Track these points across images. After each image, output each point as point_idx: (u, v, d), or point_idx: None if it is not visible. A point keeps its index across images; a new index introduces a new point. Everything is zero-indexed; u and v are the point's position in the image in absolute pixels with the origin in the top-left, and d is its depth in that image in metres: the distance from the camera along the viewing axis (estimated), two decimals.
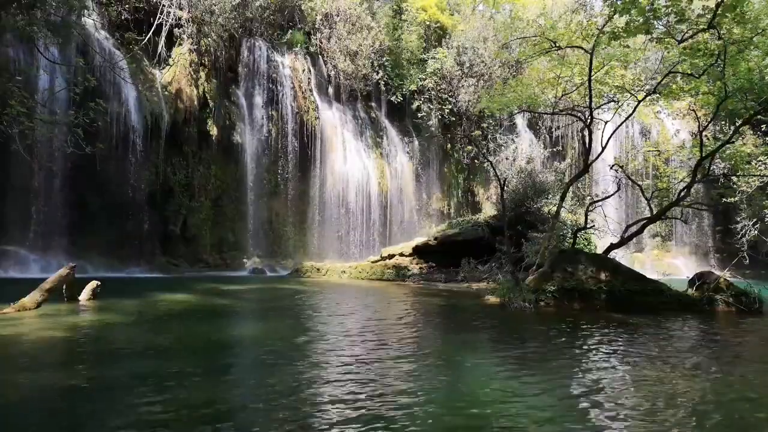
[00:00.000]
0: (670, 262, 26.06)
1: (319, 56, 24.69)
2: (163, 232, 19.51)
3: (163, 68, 20.13)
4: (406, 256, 18.57)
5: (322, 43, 24.55)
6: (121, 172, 18.01)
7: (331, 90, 25.08)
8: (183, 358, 5.55)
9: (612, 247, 12.37)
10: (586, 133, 13.27)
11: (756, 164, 16.67)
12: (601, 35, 11.29)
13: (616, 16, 10.72)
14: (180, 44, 20.52)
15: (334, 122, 24.35)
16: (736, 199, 18.68)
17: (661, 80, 12.50)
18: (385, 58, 25.74)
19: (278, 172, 22.51)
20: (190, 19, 20.61)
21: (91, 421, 3.59)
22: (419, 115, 26.62)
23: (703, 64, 10.93)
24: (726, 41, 10.14)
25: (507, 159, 21.14)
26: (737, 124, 12.35)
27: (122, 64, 17.37)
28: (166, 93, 19.63)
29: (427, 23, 27.60)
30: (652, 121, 27.01)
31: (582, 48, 12.35)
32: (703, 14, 10.46)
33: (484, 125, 25.70)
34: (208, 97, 20.98)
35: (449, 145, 28.00)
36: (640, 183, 15.13)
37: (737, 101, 11.20)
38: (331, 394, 4.24)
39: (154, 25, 19.57)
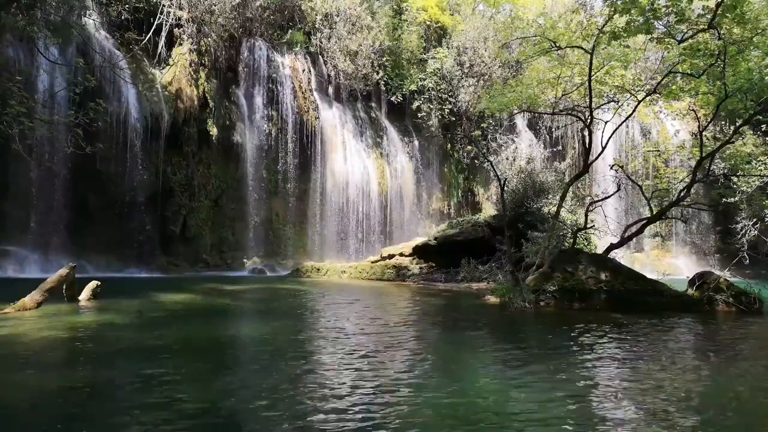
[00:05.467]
0: (670, 262, 26.03)
1: (319, 56, 24.69)
2: (163, 232, 19.51)
3: (163, 68, 20.13)
4: (406, 256, 18.56)
5: (322, 43, 24.54)
6: (121, 172, 18.01)
7: (331, 90, 25.08)
8: (183, 358, 5.56)
9: (612, 247, 12.37)
10: (586, 133, 13.26)
11: (756, 164, 16.67)
12: (601, 35, 11.29)
13: (616, 16, 10.72)
14: (180, 44, 20.52)
15: (334, 122, 24.35)
16: (736, 199, 18.67)
17: (661, 80, 12.50)
18: (385, 58, 25.74)
19: (278, 172, 22.51)
20: (190, 19, 20.61)
21: (91, 421, 3.59)
22: (419, 115, 26.62)
23: (703, 64, 10.92)
24: (726, 41, 10.14)
25: (507, 159, 21.09)
26: (737, 124, 12.35)
27: (122, 64, 17.36)
28: (166, 93, 19.63)
29: (427, 23, 27.59)
30: (652, 121, 27.01)
31: (582, 48, 12.34)
32: (703, 14, 10.47)
33: (484, 125, 25.69)
34: (208, 97, 20.98)
35: (449, 145, 28.01)
36: (640, 183, 15.13)
37: (737, 101, 11.19)
38: (330, 395, 4.24)
39: (154, 25, 19.58)
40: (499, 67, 26.68)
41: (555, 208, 13.90)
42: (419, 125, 27.03)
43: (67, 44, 15.87)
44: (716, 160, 14.38)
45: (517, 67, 25.55)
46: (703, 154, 11.92)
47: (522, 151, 22.81)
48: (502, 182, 12.94)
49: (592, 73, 11.88)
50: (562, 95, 14.38)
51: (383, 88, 26.25)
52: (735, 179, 17.61)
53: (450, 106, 26.82)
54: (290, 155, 22.67)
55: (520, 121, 28.77)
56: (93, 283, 9.54)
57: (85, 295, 9.32)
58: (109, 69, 16.34)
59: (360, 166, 24.50)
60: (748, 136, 18.24)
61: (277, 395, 4.20)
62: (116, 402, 4.00)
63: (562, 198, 13.36)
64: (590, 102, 12.27)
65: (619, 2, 10.31)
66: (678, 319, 8.93)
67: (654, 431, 3.61)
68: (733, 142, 13.78)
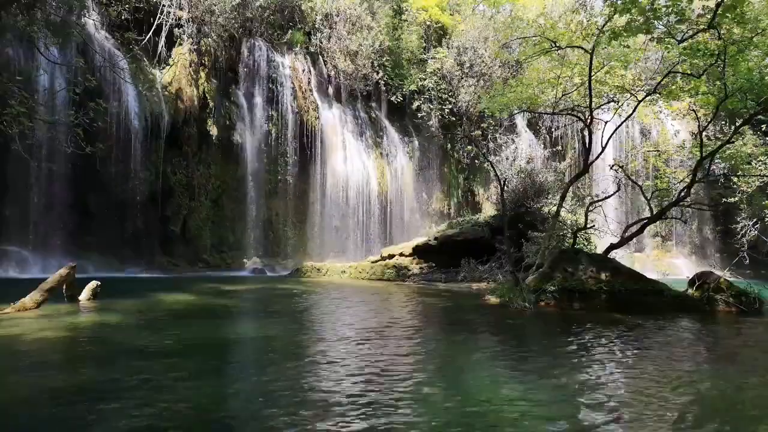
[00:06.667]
0: (670, 262, 26.04)
1: (319, 56, 24.69)
2: (163, 232, 19.50)
3: (163, 68, 20.12)
4: (406, 256, 18.55)
5: (322, 43, 24.55)
6: (121, 172, 18.01)
7: (331, 90, 25.08)
8: (183, 358, 5.55)
9: (612, 247, 12.35)
10: (586, 133, 13.26)
11: (756, 164, 16.67)
12: (601, 35, 11.29)
13: (616, 16, 10.71)
14: (180, 44, 20.52)
15: (334, 122, 24.35)
16: (736, 199, 18.67)
17: (661, 80, 12.49)
18: (385, 58, 25.73)
19: (278, 172, 22.50)
20: (190, 19, 20.61)
21: (91, 422, 3.58)
22: (419, 115, 26.62)
23: (703, 64, 10.92)
24: (726, 41, 10.14)
25: (507, 159, 21.09)
26: (737, 124, 12.34)
27: (122, 64, 17.37)
28: (166, 93, 19.63)
29: (428, 23, 27.59)
30: (652, 121, 27.00)
31: (582, 48, 12.34)
32: (703, 14, 10.48)
33: (484, 125, 25.69)
34: (208, 97, 20.97)
35: (449, 145, 28.00)
36: (640, 183, 15.13)
37: (737, 101, 11.19)
38: (330, 395, 4.24)
39: (154, 25, 19.57)
40: (499, 67, 26.68)
41: (555, 208, 13.90)
42: (419, 125, 27.02)
43: (67, 44, 15.86)
44: (716, 160, 14.37)
45: (517, 67, 25.55)
46: (703, 154, 11.92)
47: (522, 151, 22.83)
48: (502, 182, 12.94)
49: (592, 73, 11.88)
50: (562, 95, 14.37)
51: (383, 88, 26.25)
52: (735, 179, 17.61)
53: (450, 106, 26.81)
54: (290, 155, 22.66)
55: (520, 121, 28.76)
56: (93, 283, 9.54)
57: (85, 295, 9.31)
58: (109, 69, 16.34)
59: (360, 166, 24.49)
60: (748, 136, 18.23)
61: (277, 396, 4.19)
62: (116, 402, 3.99)
63: (562, 198, 13.36)
64: (590, 102, 12.26)
65: (619, 2, 10.31)
66: (678, 320, 8.93)
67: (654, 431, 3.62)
68: (733, 142, 13.77)
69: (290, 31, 24.13)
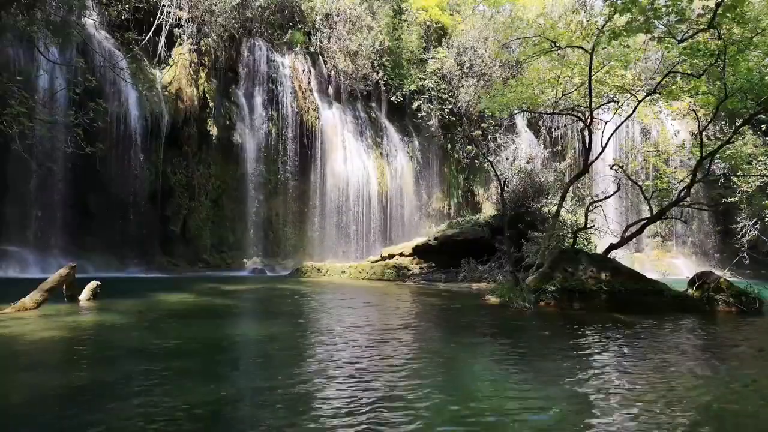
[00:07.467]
0: (670, 262, 26.04)
1: (319, 56, 24.70)
2: (163, 232, 19.51)
3: (163, 68, 20.13)
4: (406, 256, 18.55)
5: (322, 43, 24.55)
6: (121, 172, 18.01)
7: (331, 90, 25.08)
8: (183, 358, 5.55)
9: (612, 247, 12.35)
10: (586, 133, 13.26)
11: (756, 164, 16.68)
12: (601, 35, 11.29)
13: (616, 15, 10.71)
14: (180, 44, 20.53)
15: (334, 122, 24.35)
16: (736, 199, 18.68)
17: (661, 80, 12.49)
18: (385, 58, 25.73)
19: (278, 172, 22.51)
20: (190, 19, 20.62)
21: (90, 422, 3.58)
22: (419, 115, 26.62)
23: (703, 64, 10.92)
24: (726, 41, 10.14)
25: (507, 159, 21.08)
26: (737, 124, 12.35)
27: (122, 64, 17.38)
28: (166, 93, 19.63)
29: (428, 23, 27.60)
30: (652, 121, 27.01)
31: (582, 48, 12.34)
32: (703, 14, 10.47)
33: (484, 125, 25.66)
34: (208, 97, 20.98)
35: (449, 145, 28.00)
36: (640, 183, 15.13)
37: (737, 101, 11.20)
38: (330, 395, 4.24)
39: (154, 25, 19.58)
40: (499, 67, 26.69)
41: (555, 208, 13.90)
42: (419, 125, 27.03)
43: (67, 44, 15.87)
44: (716, 160, 14.37)
45: (517, 67, 25.55)
46: (703, 154, 11.92)
47: (522, 151, 22.83)
48: (502, 182, 12.95)
49: (592, 73, 11.88)
50: (562, 95, 14.36)
51: (383, 88, 26.25)
52: (735, 179, 17.62)
53: (450, 106, 26.81)
54: (290, 155, 22.67)
55: (520, 121, 28.76)
56: (93, 283, 9.53)
57: (85, 295, 9.31)
58: (109, 69, 16.35)
59: (360, 166, 24.49)
60: (748, 136, 18.25)
61: (276, 397, 4.19)
62: (116, 402, 3.99)
63: (562, 198, 13.36)
64: (590, 102, 12.26)
65: (619, 2, 10.30)
66: (678, 320, 8.93)
67: None
68: (733, 142, 13.78)
69: (290, 31, 24.13)
